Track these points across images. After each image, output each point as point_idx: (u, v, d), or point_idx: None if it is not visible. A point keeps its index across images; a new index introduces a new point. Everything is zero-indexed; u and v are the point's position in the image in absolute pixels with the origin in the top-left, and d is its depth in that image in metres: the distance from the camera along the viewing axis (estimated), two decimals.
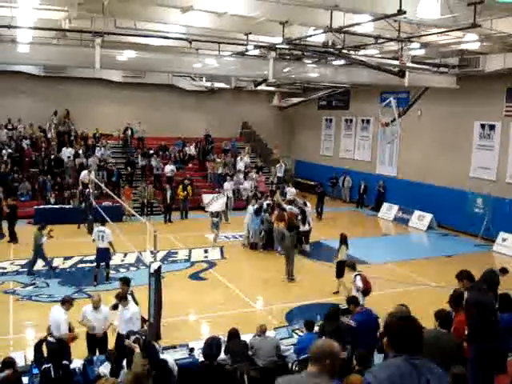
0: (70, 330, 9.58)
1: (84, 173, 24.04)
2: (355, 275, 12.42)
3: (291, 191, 25.33)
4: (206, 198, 21.96)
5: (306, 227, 20.00)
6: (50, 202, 24.55)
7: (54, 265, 17.20)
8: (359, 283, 12.16)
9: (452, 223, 23.99)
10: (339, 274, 15.01)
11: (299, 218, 19.55)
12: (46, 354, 8.10)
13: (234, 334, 9.36)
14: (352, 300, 9.95)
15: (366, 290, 12.22)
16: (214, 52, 17.86)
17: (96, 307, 10.12)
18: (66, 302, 9.73)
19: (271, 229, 19.94)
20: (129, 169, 27.98)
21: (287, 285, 16.33)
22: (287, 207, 20.08)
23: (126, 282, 10.84)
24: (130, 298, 10.22)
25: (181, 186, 25.82)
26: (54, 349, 7.85)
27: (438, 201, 24.17)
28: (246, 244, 20.69)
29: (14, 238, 20.03)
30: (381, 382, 3.45)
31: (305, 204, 20.89)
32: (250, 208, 21.01)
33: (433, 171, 25.00)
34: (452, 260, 19.21)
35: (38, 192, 25.32)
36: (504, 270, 12.59)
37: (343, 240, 15.31)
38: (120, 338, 9.83)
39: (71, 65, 19.93)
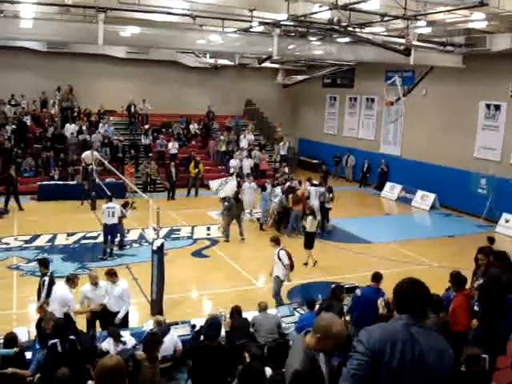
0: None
1: (86, 153, 23.98)
2: (279, 250, 12.23)
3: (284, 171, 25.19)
4: (214, 183, 21.12)
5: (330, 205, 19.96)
6: (54, 179, 24.59)
7: (57, 242, 17.30)
8: (285, 259, 12.06)
9: (455, 204, 23.94)
10: (308, 245, 15.96)
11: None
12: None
13: (236, 312, 9.43)
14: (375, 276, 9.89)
15: (291, 265, 12.25)
16: (217, 28, 17.70)
17: (95, 283, 10.20)
18: (70, 280, 9.78)
19: (286, 209, 19.61)
20: (132, 151, 27.76)
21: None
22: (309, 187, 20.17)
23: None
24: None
25: (192, 163, 25.82)
26: (60, 324, 7.89)
27: (442, 181, 24.09)
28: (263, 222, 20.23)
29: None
30: (372, 340, 3.38)
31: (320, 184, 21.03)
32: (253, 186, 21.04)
33: (437, 151, 24.88)
34: (454, 240, 19.23)
35: (41, 168, 25.33)
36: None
37: (310, 211, 16.60)
38: (109, 315, 9.93)
39: (74, 40, 19.77)
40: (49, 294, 9.75)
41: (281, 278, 12.19)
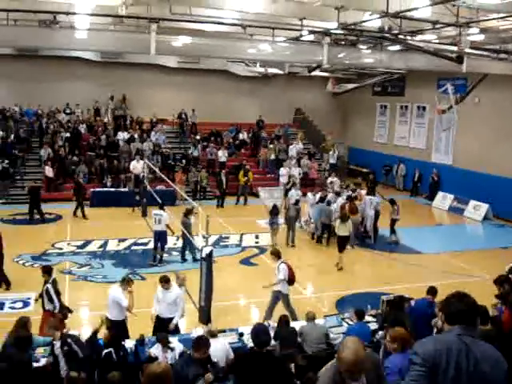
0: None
1: (133, 163, 24.61)
2: (279, 264, 11.89)
3: (332, 181, 24.60)
4: (263, 192, 21.65)
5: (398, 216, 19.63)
6: (106, 186, 25.13)
7: (108, 248, 17.66)
8: (284, 272, 11.68)
9: (509, 214, 23.33)
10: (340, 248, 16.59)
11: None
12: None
13: (283, 321, 9.41)
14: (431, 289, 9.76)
15: (291, 279, 11.85)
16: (267, 38, 17.79)
17: (167, 288, 10.30)
18: (125, 281, 10.01)
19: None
20: (183, 161, 27.63)
21: (339, 273, 16.26)
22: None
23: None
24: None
25: (242, 172, 26.00)
26: (115, 334, 8.11)
27: (495, 191, 23.53)
28: (312, 236, 19.79)
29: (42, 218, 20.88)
30: (427, 351, 3.45)
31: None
32: (310, 196, 20.81)
33: (490, 160, 24.32)
34: (508, 252, 18.72)
35: (94, 175, 25.92)
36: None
37: (343, 217, 17.08)
38: (161, 321, 10.04)
39: (127, 50, 20.23)
40: (53, 301, 9.98)
41: (283, 292, 11.85)
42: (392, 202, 19.42)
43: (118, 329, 9.20)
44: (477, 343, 3.49)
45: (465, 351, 3.41)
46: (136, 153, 26.19)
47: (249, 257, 17.43)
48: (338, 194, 20.78)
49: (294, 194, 20.57)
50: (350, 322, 10.31)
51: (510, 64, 20.93)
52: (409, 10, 13.78)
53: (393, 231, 19.47)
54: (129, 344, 8.81)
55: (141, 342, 8.98)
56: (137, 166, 24.40)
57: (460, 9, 14.11)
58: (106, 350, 7.74)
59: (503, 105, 23.80)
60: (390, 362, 5.86)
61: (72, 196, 22.20)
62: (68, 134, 27.26)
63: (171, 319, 10.09)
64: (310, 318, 9.65)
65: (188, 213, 16.20)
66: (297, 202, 19.49)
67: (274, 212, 18.49)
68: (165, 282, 10.21)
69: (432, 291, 9.61)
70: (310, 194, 20.94)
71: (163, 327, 9.91)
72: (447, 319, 3.63)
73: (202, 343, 7.10)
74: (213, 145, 29.12)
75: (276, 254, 12.26)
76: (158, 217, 16.01)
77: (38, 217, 20.78)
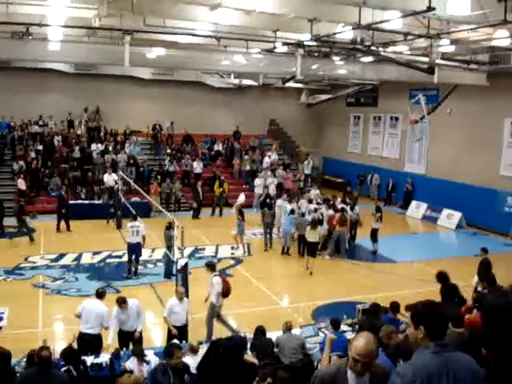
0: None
1: (105, 176, 24.54)
2: (213, 276, 11.84)
3: (314, 193, 24.65)
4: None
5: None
6: (81, 198, 24.89)
7: (83, 261, 17.49)
8: (218, 287, 11.61)
9: (482, 222, 23.63)
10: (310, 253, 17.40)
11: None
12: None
13: (260, 332, 9.40)
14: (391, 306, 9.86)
15: (226, 293, 11.76)
16: (242, 49, 17.87)
17: (181, 298, 10.52)
18: (103, 294, 9.98)
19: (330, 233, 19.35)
20: (159, 177, 26.95)
21: (314, 283, 16.32)
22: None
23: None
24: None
25: (217, 183, 25.98)
26: (93, 343, 8.04)
27: (468, 199, 23.83)
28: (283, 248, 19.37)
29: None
30: (407, 381, 3.48)
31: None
32: (281, 203, 20.93)
33: (462, 169, 24.66)
34: (480, 259, 18.91)
35: (68, 188, 25.65)
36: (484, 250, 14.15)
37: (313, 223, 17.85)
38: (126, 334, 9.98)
39: (101, 62, 20.17)
40: None
41: (214, 303, 11.73)
42: (377, 209, 19.68)
43: (92, 343, 9.12)
44: (454, 357, 3.59)
45: (445, 371, 3.49)
46: (110, 165, 26.02)
47: (225, 268, 17.37)
48: (310, 202, 20.95)
49: (282, 203, 20.97)
50: (326, 332, 10.33)
51: (480, 74, 21.32)
52: (381, 22, 13.93)
53: (375, 240, 19.64)
54: (105, 358, 8.72)
55: (116, 355, 8.89)
56: (109, 179, 24.32)
57: (431, 20, 14.32)
58: (64, 368, 7.63)
59: (474, 114, 24.18)
60: None
61: (56, 209, 21.75)
62: (41, 147, 27.00)
63: (135, 330, 10.03)
64: (287, 328, 9.65)
65: (170, 225, 16.08)
66: (292, 211, 19.50)
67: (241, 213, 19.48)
68: (122, 302, 9.99)
69: (394, 308, 9.69)
70: (284, 202, 20.99)
71: (128, 339, 9.92)
72: (416, 323, 3.71)
73: (173, 348, 7.14)
74: (188, 156, 29.06)
75: (211, 267, 12.18)
76: (135, 228, 15.89)
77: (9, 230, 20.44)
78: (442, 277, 10.68)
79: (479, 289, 11.75)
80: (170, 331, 10.57)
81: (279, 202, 21.29)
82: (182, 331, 10.52)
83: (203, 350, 9.29)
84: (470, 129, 24.48)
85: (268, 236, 19.85)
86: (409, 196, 28.04)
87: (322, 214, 19.49)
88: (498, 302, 7.68)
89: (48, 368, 6.51)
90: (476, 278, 13.06)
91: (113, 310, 9.93)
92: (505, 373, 6.83)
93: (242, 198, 22.73)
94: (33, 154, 26.34)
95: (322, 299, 14.44)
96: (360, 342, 4.05)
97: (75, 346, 8.75)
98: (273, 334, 9.74)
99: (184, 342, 9.78)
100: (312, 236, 17.62)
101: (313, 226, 17.71)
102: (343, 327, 10.17)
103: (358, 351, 4.01)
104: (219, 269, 17.06)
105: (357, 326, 9.96)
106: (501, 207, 22.59)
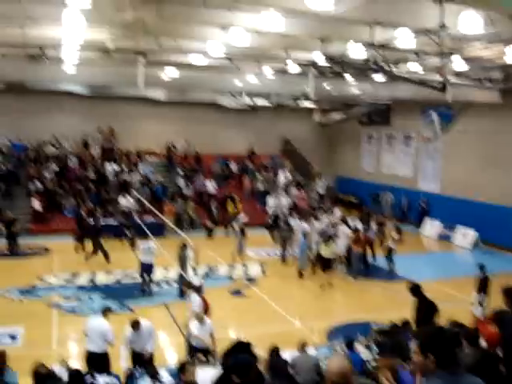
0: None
1: (119, 198, 24.72)
2: (191, 296, 11.83)
3: (338, 213, 24.14)
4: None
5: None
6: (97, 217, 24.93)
7: (97, 280, 17.52)
8: (197, 303, 11.52)
9: (497, 241, 23.41)
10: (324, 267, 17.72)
11: None
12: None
13: (274, 352, 9.33)
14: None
15: (205, 310, 11.64)
16: (254, 69, 17.98)
17: (201, 321, 10.41)
18: (107, 311, 10.04)
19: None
20: (177, 199, 27.02)
21: (329, 303, 16.22)
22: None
23: None
24: None
25: (231, 202, 26.02)
26: (100, 362, 8.00)
27: (483, 218, 23.66)
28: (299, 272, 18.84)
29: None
30: None
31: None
32: (294, 223, 20.85)
33: (477, 187, 24.50)
34: (496, 278, 18.70)
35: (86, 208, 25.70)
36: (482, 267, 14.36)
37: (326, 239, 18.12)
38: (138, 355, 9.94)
39: (116, 84, 20.33)
40: None
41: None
42: (398, 230, 19.72)
43: (100, 361, 9.11)
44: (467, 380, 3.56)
45: None
46: (123, 187, 26.18)
47: (239, 288, 17.32)
48: (316, 218, 20.99)
49: (295, 223, 20.88)
50: (341, 352, 10.25)
51: (493, 92, 21.27)
52: (393, 41, 13.99)
53: (390, 260, 19.56)
54: (114, 379, 8.70)
55: (130, 375, 8.86)
56: (123, 201, 24.49)
57: (443, 38, 14.33)
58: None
59: (488, 132, 24.08)
60: None
61: (75, 231, 21.78)
62: (57, 168, 27.23)
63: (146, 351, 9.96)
64: (302, 348, 9.58)
65: (184, 246, 16.06)
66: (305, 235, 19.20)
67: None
68: (135, 324, 9.89)
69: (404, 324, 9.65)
70: (297, 221, 20.96)
71: (138, 360, 9.84)
72: (424, 351, 3.62)
73: (187, 366, 7.13)
74: (202, 176, 29.18)
75: (190, 287, 12.34)
76: (148, 248, 15.97)
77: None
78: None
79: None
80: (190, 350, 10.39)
81: (293, 222, 21.20)
82: (205, 355, 10.24)
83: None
84: (484, 146, 24.37)
85: (285, 252, 20.30)
86: (424, 214, 27.87)
87: (338, 231, 19.63)
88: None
89: None
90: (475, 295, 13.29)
91: (125, 330, 9.93)
92: None
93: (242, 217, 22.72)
94: (48, 175, 26.55)
95: (337, 319, 14.32)
96: (333, 366, 3.93)
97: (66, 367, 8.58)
98: (287, 354, 9.67)
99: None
100: (325, 251, 17.82)
101: (326, 241, 17.94)
102: (359, 348, 10.07)
103: (332, 376, 3.88)
104: (234, 289, 17.12)
105: (374, 347, 9.85)
106: None
